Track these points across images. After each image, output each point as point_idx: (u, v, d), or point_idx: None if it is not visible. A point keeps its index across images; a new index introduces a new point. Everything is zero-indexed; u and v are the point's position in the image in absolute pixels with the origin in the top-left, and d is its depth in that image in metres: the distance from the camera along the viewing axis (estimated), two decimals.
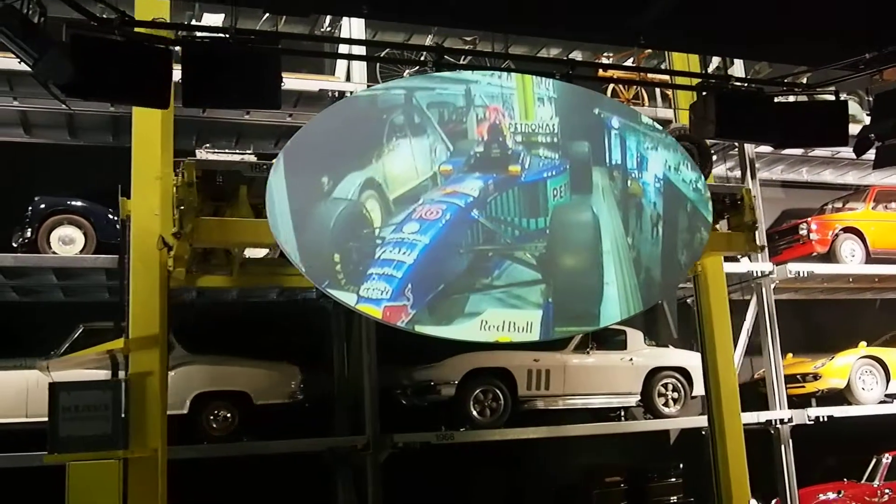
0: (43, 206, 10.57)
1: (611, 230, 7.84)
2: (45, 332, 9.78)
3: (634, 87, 13.21)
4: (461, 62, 9.75)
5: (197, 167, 7.96)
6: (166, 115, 8.59)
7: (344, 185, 7.11)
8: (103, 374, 8.60)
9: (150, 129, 8.58)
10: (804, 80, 9.26)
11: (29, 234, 10.45)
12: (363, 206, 7.13)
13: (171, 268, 8.28)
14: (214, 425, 10.70)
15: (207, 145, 10.55)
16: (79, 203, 10.58)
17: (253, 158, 10.61)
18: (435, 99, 7.54)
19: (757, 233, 9.95)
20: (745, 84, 8.95)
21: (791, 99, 9.53)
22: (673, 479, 12.88)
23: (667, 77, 12.65)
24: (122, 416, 7.93)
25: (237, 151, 11.01)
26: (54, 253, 10.43)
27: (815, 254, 13.92)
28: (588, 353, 12.49)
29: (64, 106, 9.36)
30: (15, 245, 10.65)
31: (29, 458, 9.06)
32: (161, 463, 7.96)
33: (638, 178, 8.06)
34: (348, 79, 11.92)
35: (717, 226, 9.71)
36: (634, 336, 12.80)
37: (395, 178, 7.25)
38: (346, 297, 6.88)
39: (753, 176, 13.95)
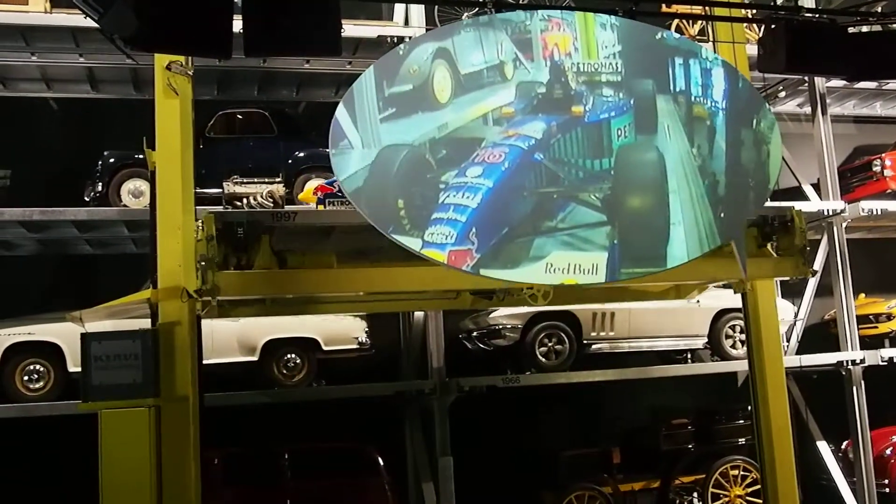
0: (112, 160, 10.82)
1: (677, 167, 7.68)
2: (117, 284, 10.00)
3: (699, 21, 12.83)
4: (521, 2, 9.60)
5: (216, 220, 7.82)
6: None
7: (418, 52, 7.19)
8: (138, 324, 8.60)
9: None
10: (879, 9, 8.88)
11: (100, 187, 10.73)
12: (432, 79, 7.17)
13: (199, 311, 8.19)
14: (284, 371, 10.97)
15: (235, 176, 10.52)
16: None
17: (280, 188, 10.53)
18: (500, 16, 7.54)
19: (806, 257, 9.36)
20: (817, 15, 8.63)
21: (865, 29, 9.16)
22: (741, 421, 12.76)
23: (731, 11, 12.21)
24: (155, 364, 8.00)
25: (265, 181, 10.69)
26: (125, 206, 10.69)
27: (888, 191, 13.49)
28: None
29: (129, 60, 9.46)
30: (87, 199, 10.94)
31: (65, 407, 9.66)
32: (193, 410, 8.05)
33: (702, 103, 7.89)
34: (406, 23, 11.83)
35: (767, 247, 9.31)
36: None
37: (464, 55, 7.30)
38: (411, 243, 6.89)
39: (824, 111, 13.57)
